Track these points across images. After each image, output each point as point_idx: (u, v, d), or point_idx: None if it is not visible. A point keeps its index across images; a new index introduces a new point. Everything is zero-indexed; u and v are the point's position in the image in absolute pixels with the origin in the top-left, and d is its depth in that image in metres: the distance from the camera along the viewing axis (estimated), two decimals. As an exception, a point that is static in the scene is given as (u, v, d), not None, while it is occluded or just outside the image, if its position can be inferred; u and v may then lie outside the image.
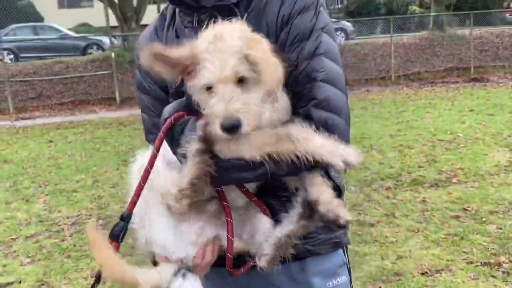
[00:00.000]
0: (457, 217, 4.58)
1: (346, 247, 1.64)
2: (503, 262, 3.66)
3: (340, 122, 1.33)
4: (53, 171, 7.16)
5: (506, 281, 3.39)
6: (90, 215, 5.26)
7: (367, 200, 5.27)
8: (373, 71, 16.65)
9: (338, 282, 1.56)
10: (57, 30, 21.37)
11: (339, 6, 38.30)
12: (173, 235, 1.36)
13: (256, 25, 1.29)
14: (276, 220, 1.37)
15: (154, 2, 34.89)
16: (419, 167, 6.33)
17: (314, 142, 1.20)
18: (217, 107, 1.16)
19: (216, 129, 1.17)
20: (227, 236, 1.34)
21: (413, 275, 3.57)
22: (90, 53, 19.26)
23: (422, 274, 3.57)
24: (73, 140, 9.43)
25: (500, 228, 4.28)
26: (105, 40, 18.49)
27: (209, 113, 1.19)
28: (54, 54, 17.82)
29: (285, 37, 1.34)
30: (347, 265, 1.61)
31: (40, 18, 26.79)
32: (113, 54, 15.00)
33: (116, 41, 19.57)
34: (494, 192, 5.23)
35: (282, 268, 1.38)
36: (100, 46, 20.71)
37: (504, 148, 6.97)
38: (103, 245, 1.30)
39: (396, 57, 16.24)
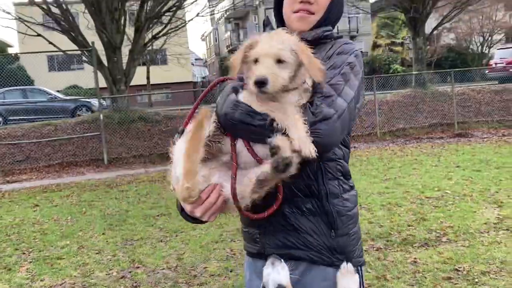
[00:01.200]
0: (449, 278, 4.51)
1: (360, 267, 1.86)
2: (498, 326, 3.58)
3: (340, 102, 1.67)
4: (37, 237, 7.00)
5: None
6: (74, 284, 5.10)
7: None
8: (359, 128, 16.90)
9: None
10: (46, 93, 21.58)
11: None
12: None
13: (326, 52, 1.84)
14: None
15: (144, 64, 35.70)
16: (409, 225, 6.30)
17: (295, 130, 1.56)
18: (255, 69, 1.59)
19: (250, 84, 1.59)
20: (231, 175, 1.66)
21: None
22: (79, 115, 19.39)
23: None
24: (59, 204, 9.29)
25: (493, 290, 4.22)
26: (94, 102, 18.66)
27: (250, 76, 1.61)
28: (43, 117, 17.89)
29: (328, 65, 1.77)
30: (359, 284, 1.77)
31: (30, 82, 27.12)
32: (101, 116, 15.10)
33: (105, 103, 19.79)
34: (485, 251, 5.18)
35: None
36: (89, 108, 20.88)
37: (492, 204, 6.98)
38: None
39: (380, 114, 16.55)
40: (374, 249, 5.55)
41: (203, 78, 58.51)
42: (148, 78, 35.60)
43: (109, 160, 14.86)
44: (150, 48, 28.77)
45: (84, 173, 13.54)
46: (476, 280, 4.44)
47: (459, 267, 4.75)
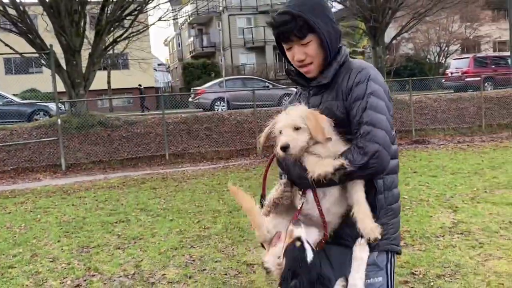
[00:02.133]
0: (405, 282, 4.59)
1: (391, 254, 2.20)
2: (452, 327, 3.65)
3: (379, 133, 1.98)
4: (-12, 245, 6.73)
5: None
6: (25, 294, 4.92)
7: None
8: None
9: (375, 280, 2.14)
10: (2, 97, 20.88)
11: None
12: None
13: (336, 92, 2.14)
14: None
15: (105, 68, 35.08)
16: (367, 230, 6.37)
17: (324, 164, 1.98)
18: (281, 138, 2.04)
19: (278, 150, 2.05)
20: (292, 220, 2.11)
21: None
22: (37, 120, 18.85)
23: None
24: (12, 211, 8.97)
25: (447, 292, 4.31)
26: (52, 106, 18.19)
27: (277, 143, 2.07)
28: (-1, 121, 17.32)
29: (350, 99, 2.08)
30: (386, 270, 2.16)
31: (-15, 85, 26.22)
32: (59, 120, 14.72)
33: (63, 107, 19.32)
34: (440, 255, 5.30)
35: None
36: (47, 112, 20.33)
37: (447, 209, 7.17)
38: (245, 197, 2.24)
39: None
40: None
41: (166, 83, 58.04)
42: (109, 82, 34.97)
43: (67, 166, 14.48)
44: (111, 52, 28.35)
45: (41, 179, 13.14)
46: (432, 283, 4.53)
47: (415, 271, 4.84)
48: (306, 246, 1.95)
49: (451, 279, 4.62)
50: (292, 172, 2.14)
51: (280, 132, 2.06)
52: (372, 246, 2.04)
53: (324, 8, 2.16)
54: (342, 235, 2.11)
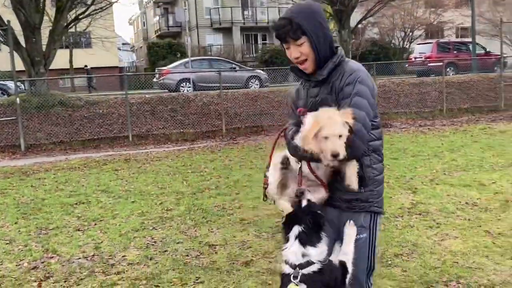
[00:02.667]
0: (364, 261, 4.67)
1: (374, 215, 2.70)
2: (407, 305, 3.75)
3: (356, 125, 2.45)
4: None
5: (410, 325, 3.45)
6: (-21, 277, 4.77)
7: (278, 247, 5.24)
8: (286, 117, 17.13)
9: (359, 237, 2.64)
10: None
11: (255, 55, 39.49)
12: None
13: (331, 88, 2.62)
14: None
15: (67, 47, 34.03)
16: (329, 211, 6.45)
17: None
18: (330, 147, 2.38)
19: (327, 156, 2.41)
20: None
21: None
22: (-6, 98, 18.19)
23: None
24: (-33, 192, 8.68)
25: (405, 271, 4.41)
26: (11, 84, 17.57)
27: (324, 149, 2.41)
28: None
29: (340, 96, 2.58)
30: (369, 229, 2.68)
31: None
32: (18, 99, 14.24)
33: (22, 86, 18.72)
34: (398, 234, 5.42)
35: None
36: (5, 91, 19.66)
37: (407, 190, 7.32)
38: None
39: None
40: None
41: (131, 63, 56.90)
42: (71, 61, 34.00)
43: (26, 146, 14.09)
44: (73, 30, 27.54)
45: (-2, 160, 12.74)
46: (390, 262, 4.63)
47: (374, 250, 4.93)
48: (311, 203, 2.55)
49: (408, 258, 4.73)
50: (299, 154, 2.59)
51: (326, 138, 2.41)
52: (360, 208, 2.65)
53: (318, 16, 2.61)
54: (335, 198, 2.68)
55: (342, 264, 2.55)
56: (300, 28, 2.57)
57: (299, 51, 2.62)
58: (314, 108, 2.60)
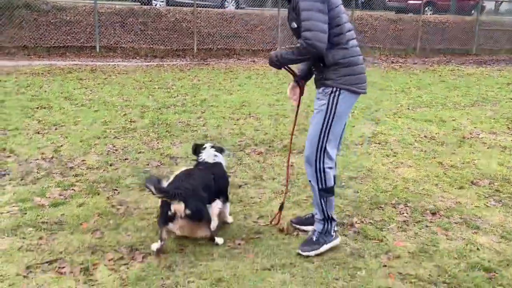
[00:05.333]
0: (319, 181, 4.81)
1: (336, 89, 3.21)
2: (356, 222, 3.91)
3: (307, 34, 3.02)
4: None
5: (356, 240, 3.63)
6: None
7: (238, 163, 5.33)
8: (260, 42, 16.85)
9: (321, 102, 3.28)
10: None
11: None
12: None
13: (293, 8, 3.16)
14: None
15: None
16: (290, 134, 6.52)
17: None
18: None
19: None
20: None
21: (272, 233, 3.69)
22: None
23: (281, 231, 3.70)
24: None
25: (357, 192, 4.57)
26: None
27: None
28: None
29: (298, 12, 3.10)
30: (329, 98, 3.23)
31: None
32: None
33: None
34: (356, 160, 5.57)
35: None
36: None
37: (370, 121, 7.45)
38: None
39: (283, 31, 16.55)
40: (256, 153, 5.72)
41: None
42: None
43: (-13, 48, 13.49)
44: None
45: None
46: (344, 183, 4.78)
47: (330, 172, 5.07)
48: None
49: (362, 181, 4.89)
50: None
51: None
52: (323, 84, 3.25)
53: None
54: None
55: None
56: None
57: None
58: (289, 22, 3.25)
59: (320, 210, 3.41)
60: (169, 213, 3.09)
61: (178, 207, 3.06)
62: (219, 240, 3.39)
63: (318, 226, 3.45)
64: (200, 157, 3.79)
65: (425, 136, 6.68)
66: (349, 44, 3.23)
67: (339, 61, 3.18)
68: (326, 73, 3.21)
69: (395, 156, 5.78)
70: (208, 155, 3.78)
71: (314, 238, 3.42)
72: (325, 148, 3.28)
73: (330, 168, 3.35)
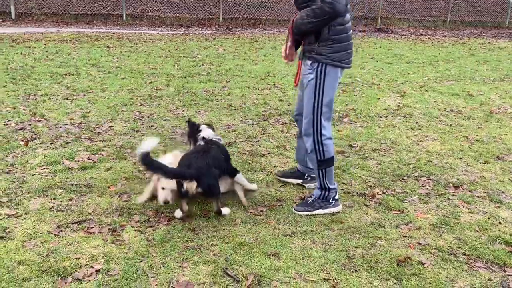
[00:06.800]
0: (342, 152, 4.83)
1: (323, 64, 3.28)
2: (377, 193, 3.94)
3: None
4: None
5: (377, 210, 3.66)
6: (-33, 131, 4.87)
7: (262, 133, 5.38)
8: (287, 12, 16.65)
9: (308, 77, 3.35)
10: None
11: None
12: None
13: None
14: None
15: None
16: (316, 105, 6.53)
17: None
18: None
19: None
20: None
21: (294, 201, 3.75)
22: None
23: (302, 199, 3.75)
24: (-44, 53, 8.57)
25: (379, 164, 4.58)
26: None
27: None
28: None
29: None
30: (316, 72, 3.29)
31: None
32: (8, -36, 13.56)
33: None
34: (379, 132, 5.55)
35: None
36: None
37: (396, 94, 7.38)
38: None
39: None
40: (280, 123, 5.75)
41: None
42: None
43: (17, 14, 13.68)
44: None
45: (-13, 26, 12.43)
46: (366, 155, 4.79)
47: (353, 144, 5.08)
48: None
49: (385, 153, 4.89)
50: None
51: None
52: (312, 58, 3.29)
53: None
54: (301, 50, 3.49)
55: None
56: None
57: None
58: None
59: (318, 180, 3.57)
60: (182, 190, 3.20)
61: (189, 185, 3.17)
62: (225, 210, 3.47)
63: (316, 192, 3.62)
64: (199, 136, 3.83)
65: (451, 110, 6.60)
66: (345, 20, 3.27)
67: (333, 37, 3.24)
68: (318, 48, 3.27)
69: (419, 129, 5.74)
70: (208, 134, 3.83)
71: (310, 201, 3.60)
72: (321, 120, 3.39)
73: (329, 138, 3.47)
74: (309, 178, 4.02)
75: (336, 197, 3.63)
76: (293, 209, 3.56)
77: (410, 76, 8.72)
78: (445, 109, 6.65)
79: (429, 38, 14.77)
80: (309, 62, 3.34)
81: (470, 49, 12.69)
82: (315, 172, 3.58)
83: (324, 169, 3.50)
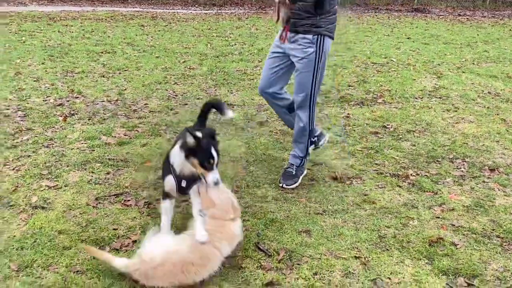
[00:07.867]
0: (376, 133, 4.79)
1: (322, 36, 3.31)
2: (411, 174, 3.91)
3: None
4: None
5: (410, 191, 3.64)
6: (8, 106, 5.04)
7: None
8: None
9: (308, 51, 3.33)
10: None
11: None
12: None
13: None
14: None
15: None
16: (349, 86, 6.48)
17: None
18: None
19: None
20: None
21: (326, 180, 3.75)
22: None
23: (334, 179, 3.76)
24: (-4, 31, 8.81)
25: (414, 145, 4.53)
26: None
27: None
28: None
29: None
30: (316, 45, 3.31)
31: None
32: None
33: None
34: (414, 113, 5.47)
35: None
36: None
37: (432, 75, 7.23)
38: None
39: (344, -21, 16.02)
40: (313, 103, 5.72)
41: None
42: None
43: (53, -7, 13.92)
44: None
45: (26, 4, 12.70)
46: (401, 136, 4.74)
47: (387, 125, 5.03)
48: None
49: (419, 135, 4.82)
50: None
51: None
52: (312, 32, 3.28)
53: None
54: (297, 24, 3.33)
55: None
56: None
57: None
58: None
59: (303, 149, 3.70)
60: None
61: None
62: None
63: (296, 161, 3.72)
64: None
65: (489, 92, 6.44)
66: None
67: (330, 10, 3.32)
68: (318, 21, 3.28)
69: (456, 111, 5.62)
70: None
71: (294, 172, 3.70)
72: (316, 92, 3.50)
73: None
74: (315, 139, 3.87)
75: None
76: (284, 185, 3.61)
77: (447, 57, 8.52)
78: (483, 91, 6.49)
79: (467, 18, 14.34)
80: (310, 36, 3.30)
81: (510, 30, 12.28)
82: (302, 141, 3.66)
83: (311, 139, 3.68)
